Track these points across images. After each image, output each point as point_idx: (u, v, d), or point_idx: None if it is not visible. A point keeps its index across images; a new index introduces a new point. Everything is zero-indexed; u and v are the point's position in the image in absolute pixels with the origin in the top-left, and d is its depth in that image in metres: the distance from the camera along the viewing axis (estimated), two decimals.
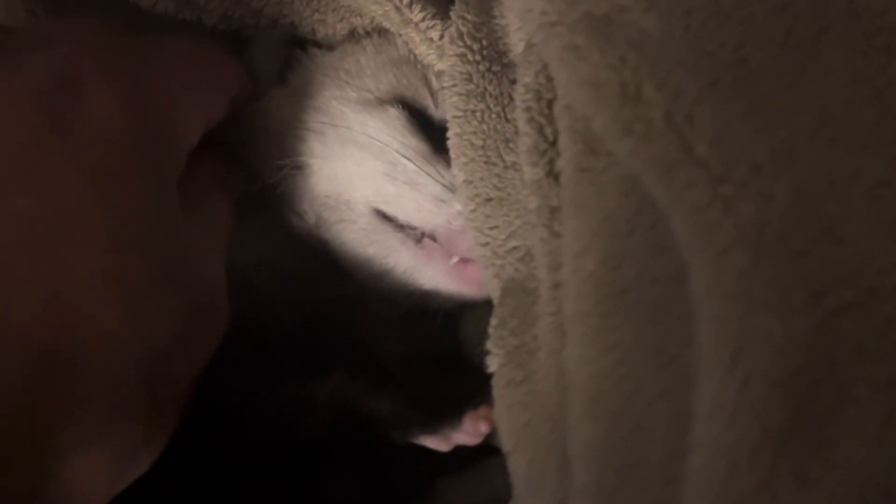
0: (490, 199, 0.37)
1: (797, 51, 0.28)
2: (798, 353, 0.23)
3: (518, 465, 0.35)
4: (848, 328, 0.24)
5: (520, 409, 0.35)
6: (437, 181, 0.42)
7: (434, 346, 0.48)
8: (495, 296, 0.38)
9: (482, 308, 0.40)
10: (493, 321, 0.37)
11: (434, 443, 0.44)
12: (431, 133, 0.43)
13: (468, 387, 0.39)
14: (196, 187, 0.37)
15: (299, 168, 0.45)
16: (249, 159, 0.44)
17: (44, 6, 0.42)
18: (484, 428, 0.43)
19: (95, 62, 0.32)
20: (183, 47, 0.38)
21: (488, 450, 0.42)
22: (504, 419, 0.35)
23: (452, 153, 0.38)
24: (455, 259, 0.44)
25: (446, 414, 0.44)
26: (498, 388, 0.36)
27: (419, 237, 0.44)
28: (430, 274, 0.45)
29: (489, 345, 0.36)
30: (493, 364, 0.36)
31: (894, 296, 0.24)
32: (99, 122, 0.31)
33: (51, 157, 0.29)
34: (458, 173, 0.38)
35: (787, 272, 0.24)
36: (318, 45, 0.46)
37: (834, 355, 0.24)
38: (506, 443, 0.35)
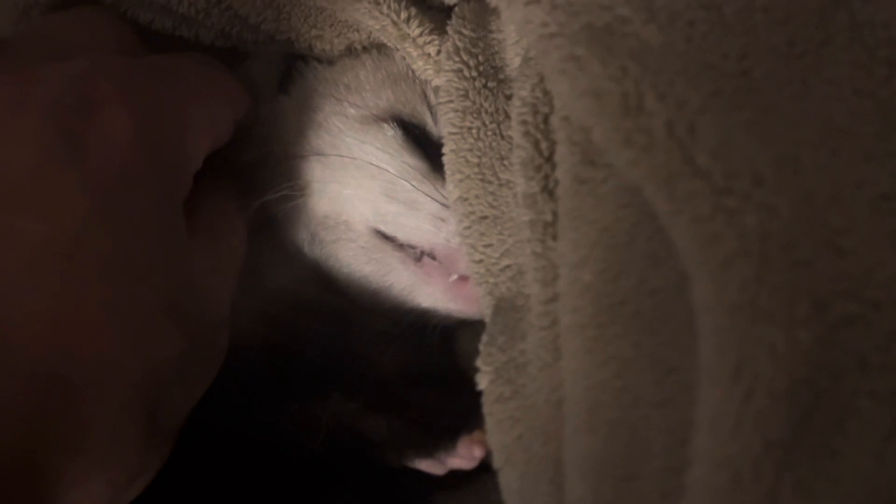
0: (485, 217, 0.37)
1: (799, 63, 0.28)
2: (801, 365, 0.23)
3: (510, 479, 0.34)
4: (851, 340, 0.23)
5: (510, 424, 0.34)
6: (435, 200, 0.42)
7: (431, 362, 0.47)
8: (487, 313, 0.38)
9: (478, 323, 0.39)
10: (484, 339, 0.37)
11: (429, 466, 0.44)
12: (430, 150, 0.42)
13: (464, 407, 0.39)
14: (206, 209, 0.36)
15: (299, 188, 0.44)
16: (252, 180, 0.44)
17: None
18: (478, 452, 0.43)
19: (112, 82, 0.32)
20: (193, 67, 0.38)
21: (484, 466, 0.42)
22: (495, 434, 0.35)
23: (448, 170, 0.38)
24: (454, 277, 0.43)
25: (441, 438, 0.44)
26: (488, 404, 0.35)
27: (419, 256, 0.44)
28: (430, 292, 0.44)
29: (478, 362, 0.36)
30: (482, 381, 0.36)
31: None
32: (113, 143, 0.31)
33: (63, 179, 0.29)
34: (452, 190, 0.38)
35: (790, 283, 0.24)
36: (317, 59, 0.46)
37: (837, 367, 0.23)
38: (497, 458, 0.35)
